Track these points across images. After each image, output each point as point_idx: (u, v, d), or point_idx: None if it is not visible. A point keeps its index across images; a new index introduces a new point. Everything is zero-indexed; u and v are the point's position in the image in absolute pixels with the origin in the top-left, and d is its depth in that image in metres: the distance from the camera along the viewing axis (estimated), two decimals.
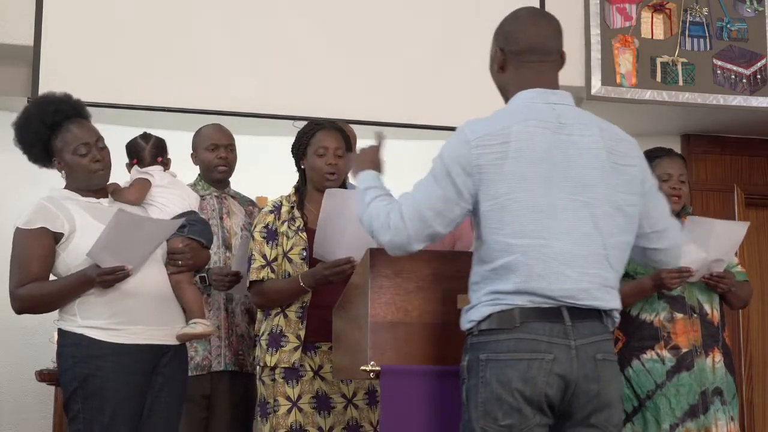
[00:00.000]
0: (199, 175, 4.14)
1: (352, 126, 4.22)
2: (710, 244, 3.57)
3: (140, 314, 3.21)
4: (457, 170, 2.42)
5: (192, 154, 4.13)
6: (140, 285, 3.21)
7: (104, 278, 3.12)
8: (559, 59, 2.60)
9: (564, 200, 2.42)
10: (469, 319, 2.46)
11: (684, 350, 3.60)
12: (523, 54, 2.55)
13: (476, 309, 2.44)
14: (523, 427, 2.37)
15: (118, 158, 3.48)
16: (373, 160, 2.75)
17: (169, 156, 3.60)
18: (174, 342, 3.29)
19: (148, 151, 3.52)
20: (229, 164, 4.12)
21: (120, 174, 3.48)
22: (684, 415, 3.54)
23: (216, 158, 4.08)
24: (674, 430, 3.52)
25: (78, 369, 3.16)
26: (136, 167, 3.50)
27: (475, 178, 2.42)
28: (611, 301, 2.47)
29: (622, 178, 2.48)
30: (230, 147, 4.13)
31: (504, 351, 2.38)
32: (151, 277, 3.25)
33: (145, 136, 3.58)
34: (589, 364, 2.39)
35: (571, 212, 2.42)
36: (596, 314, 2.44)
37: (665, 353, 3.58)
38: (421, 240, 2.47)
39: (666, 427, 3.51)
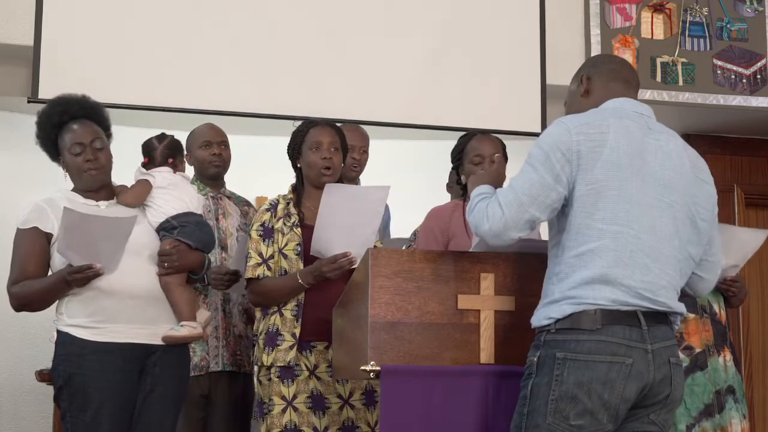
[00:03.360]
0: (194, 176, 4.14)
1: (348, 126, 4.22)
2: (731, 250, 3.60)
3: (120, 313, 3.22)
4: (557, 155, 2.48)
5: (186, 155, 4.12)
6: (120, 284, 3.21)
7: (74, 276, 3.15)
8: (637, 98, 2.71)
9: (652, 198, 2.48)
10: (547, 315, 2.48)
11: (697, 350, 3.61)
12: (613, 72, 2.69)
13: (558, 305, 2.47)
14: (593, 431, 2.40)
15: (121, 159, 3.48)
16: (492, 176, 2.89)
17: (183, 158, 3.60)
18: (161, 342, 3.29)
19: (159, 152, 3.52)
20: (223, 161, 4.13)
21: (130, 175, 3.49)
22: (700, 414, 3.55)
23: (209, 155, 4.08)
24: (690, 430, 3.53)
25: (63, 367, 3.21)
26: (140, 168, 3.50)
27: (574, 164, 2.47)
28: (680, 306, 2.53)
29: (701, 191, 2.58)
30: (223, 144, 4.14)
31: (584, 352, 2.41)
32: (135, 277, 3.25)
33: (161, 137, 3.58)
34: (664, 367, 2.45)
35: (658, 210, 2.49)
36: (665, 319, 2.50)
37: (679, 354, 3.59)
38: (519, 227, 2.51)
39: (682, 428, 3.52)
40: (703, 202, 2.58)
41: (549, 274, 2.55)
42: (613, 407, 2.41)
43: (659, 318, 2.47)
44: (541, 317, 2.51)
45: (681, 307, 2.53)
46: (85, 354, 3.18)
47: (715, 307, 3.70)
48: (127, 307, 3.23)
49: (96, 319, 3.21)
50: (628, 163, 2.47)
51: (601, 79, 2.69)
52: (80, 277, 3.15)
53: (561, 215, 2.53)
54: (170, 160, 3.51)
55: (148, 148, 3.55)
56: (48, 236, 3.25)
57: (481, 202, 2.59)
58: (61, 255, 3.18)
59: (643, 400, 2.45)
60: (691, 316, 3.63)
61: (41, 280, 3.25)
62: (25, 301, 3.27)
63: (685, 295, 3.59)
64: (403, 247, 3.93)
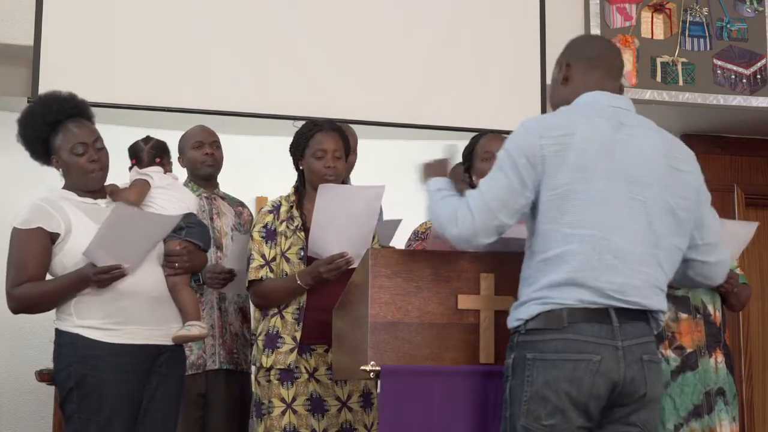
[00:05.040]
0: (187, 177, 4.14)
1: (352, 126, 4.22)
2: None
3: (136, 314, 3.21)
4: (523, 160, 2.47)
5: (179, 157, 4.13)
6: (136, 285, 3.20)
7: (100, 277, 3.12)
8: (621, 78, 2.68)
9: (621, 196, 2.46)
10: (516, 317, 2.49)
11: (688, 350, 3.60)
12: (594, 60, 2.64)
13: (525, 307, 2.47)
14: (565, 428, 2.40)
15: (117, 158, 3.47)
16: (443, 169, 2.84)
17: (171, 159, 3.60)
18: (170, 342, 3.29)
19: (146, 152, 3.52)
20: (216, 161, 4.14)
21: (120, 175, 3.48)
22: (689, 415, 3.55)
23: (202, 155, 4.10)
24: (678, 430, 3.52)
25: (74, 369, 3.16)
26: (135, 168, 3.50)
27: (539, 169, 2.46)
28: (659, 303, 2.50)
29: (677, 181, 2.53)
30: (215, 144, 4.16)
31: (551, 351, 2.41)
32: (147, 278, 3.24)
33: (146, 139, 3.59)
34: (635, 365, 2.42)
35: (628, 209, 2.46)
36: (643, 315, 2.47)
37: (670, 353, 3.59)
38: (488, 232, 2.52)
39: (670, 428, 3.52)
40: (680, 192, 2.53)
41: (521, 278, 2.54)
42: (582, 404, 2.39)
43: (635, 315, 2.45)
44: (512, 319, 2.51)
45: (658, 304, 2.49)
46: (100, 355, 3.15)
47: (710, 308, 3.70)
48: (142, 308, 3.22)
49: (113, 320, 3.18)
50: (594, 165, 2.45)
51: (580, 66, 2.65)
52: (107, 278, 3.12)
53: (530, 219, 2.52)
54: (157, 160, 3.51)
55: (134, 150, 3.56)
56: (53, 236, 3.20)
57: (447, 200, 2.59)
58: (88, 254, 3.12)
59: (619, 398, 2.43)
60: (684, 316, 3.63)
61: (53, 281, 3.21)
62: (30, 303, 3.21)
63: (678, 297, 3.62)
64: (403, 247, 3.93)
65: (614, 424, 2.45)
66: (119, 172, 3.50)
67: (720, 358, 3.66)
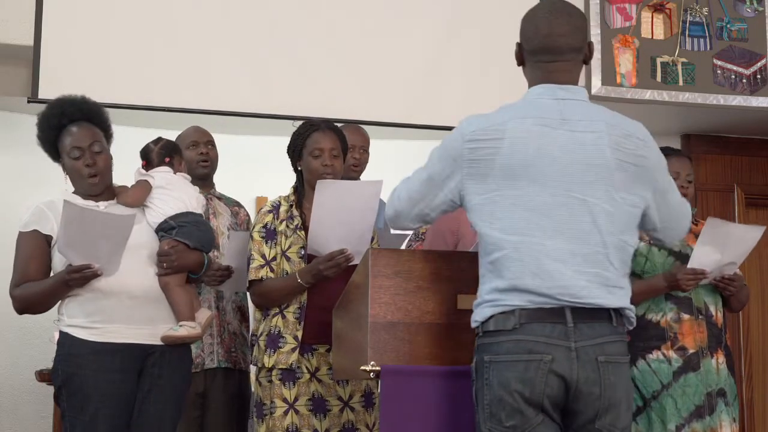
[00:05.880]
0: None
1: (349, 126, 4.21)
2: (727, 247, 3.57)
3: (119, 314, 3.22)
4: (448, 161, 2.49)
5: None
6: (119, 285, 3.21)
7: (72, 276, 3.15)
8: (578, 56, 2.54)
9: (560, 197, 2.40)
10: (473, 319, 2.48)
11: (691, 351, 3.60)
12: (534, 54, 2.55)
13: (480, 309, 2.45)
14: (526, 428, 2.37)
15: (121, 158, 3.48)
16: None
17: (181, 158, 3.60)
18: (160, 342, 3.28)
19: (155, 153, 3.52)
20: (211, 160, 4.17)
21: (129, 175, 3.49)
22: (690, 415, 3.54)
23: (197, 155, 4.12)
24: (680, 431, 3.52)
25: (62, 367, 3.21)
26: (140, 169, 3.50)
27: (464, 172, 2.45)
28: (616, 300, 2.43)
29: (626, 174, 2.45)
30: (210, 144, 4.18)
31: (503, 353, 2.38)
32: (134, 277, 3.24)
33: (157, 140, 3.59)
34: (590, 365, 2.37)
35: (567, 209, 2.40)
36: (605, 315, 2.41)
37: (672, 354, 3.59)
38: (411, 219, 2.61)
39: (672, 428, 3.51)
40: (629, 186, 2.44)
41: (479, 273, 2.51)
42: (537, 403, 2.36)
43: (594, 314, 2.39)
44: (471, 320, 2.49)
45: (616, 302, 2.42)
46: (84, 354, 3.19)
47: (712, 309, 3.69)
48: (126, 307, 3.23)
49: (95, 319, 3.21)
50: (523, 171, 2.40)
51: (528, 57, 2.56)
52: (78, 277, 3.15)
53: (471, 217, 2.50)
54: (167, 160, 3.51)
55: (145, 151, 3.56)
56: (48, 238, 3.26)
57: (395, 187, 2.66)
58: (62, 254, 3.18)
59: (576, 401, 2.38)
60: (687, 317, 3.63)
61: (41, 282, 3.25)
62: (27, 304, 3.28)
63: (680, 298, 3.62)
64: (403, 247, 3.93)
65: (579, 430, 2.41)
66: (123, 173, 3.51)
67: (721, 358, 3.66)
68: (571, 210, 2.40)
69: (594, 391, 2.38)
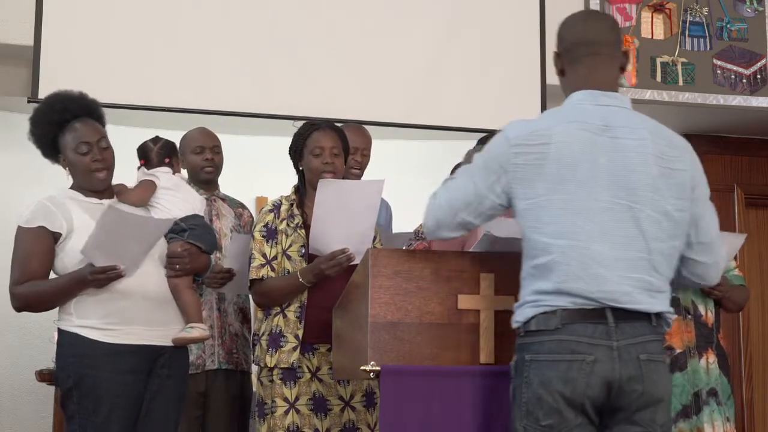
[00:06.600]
0: (188, 178, 4.14)
1: (352, 127, 4.21)
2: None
3: (135, 315, 3.20)
4: (495, 167, 2.48)
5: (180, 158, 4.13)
6: (136, 286, 3.20)
7: (97, 277, 3.12)
8: (615, 53, 2.57)
9: (605, 203, 2.42)
10: (515, 319, 2.50)
11: (678, 351, 3.60)
12: (573, 48, 2.57)
13: (521, 310, 2.48)
14: (563, 428, 2.39)
15: (121, 158, 3.47)
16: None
17: (179, 159, 3.60)
18: (170, 344, 3.29)
19: (155, 153, 3.52)
20: (216, 165, 4.15)
21: (126, 175, 3.48)
22: (677, 415, 3.55)
23: (202, 160, 4.11)
24: None
25: (73, 368, 3.17)
26: (143, 168, 3.50)
27: (511, 176, 2.46)
28: (658, 304, 2.46)
29: (670, 182, 2.48)
30: (216, 149, 4.16)
31: (545, 352, 2.41)
32: (148, 279, 3.24)
33: (155, 139, 3.59)
34: (632, 364, 2.40)
35: (612, 215, 2.42)
36: (644, 316, 2.44)
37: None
38: (451, 228, 2.57)
39: None
40: (674, 193, 2.47)
41: (521, 276, 2.53)
42: (578, 404, 2.39)
43: (634, 315, 2.42)
44: (513, 320, 2.52)
45: (658, 306, 2.45)
46: (98, 355, 3.15)
47: (701, 309, 3.69)
48: (141, 309, 3.22)
49: (111, 320, 3.18)
50: (571, 175, 2.42)
51: (567, 58, 2.59)
52: (103, 278, 3.12)
53: (518, 222, 2.52)
54: (167, 160, 3.51)
55: (143, 150, 3.55)
56: (56, 236, 3.21)
57: (432, 195, 2.63)
58: (85, 254, 3.13)
59: (618, 400, 2.41)
60: (673, 317, 3.63)
61: (53, 280, 3.22)
62: (32, 302, 3.22)
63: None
64: (403, 247, 3.93)
65: (618, 425, 2.44)
66: (123, 172, 3.51)
67: (712, 358, 3.66)
68: (617, 215, 2.43)
69: (637, 389, 2.41)
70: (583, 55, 2.56)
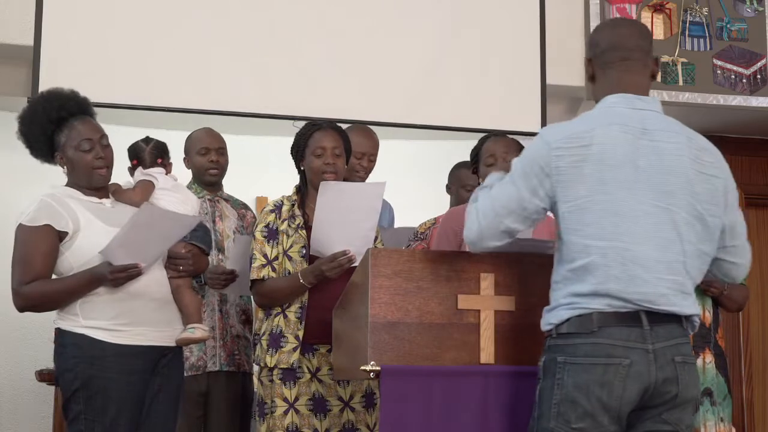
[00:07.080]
0: (192, 178, 4.15)
1: (360, 130, 4.18)
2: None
3: (143, 316, 3.20)
4: (536, 170, 2.48)
5: (184, 158, 4.14)
6: (144, 286, 3.19)
7: (117, 276, 3.10)
8: (646, 60, 2.59)
9: (645, 205, 2.44)
10: (548, 321, 2.50)
11: None
12: (605, 53, 2.58)
13: (555, 312, 2.48)
14: None
15: (117, 158, 3.47)
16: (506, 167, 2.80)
17: (170, 160, 3.60)
18: (173, 344, 3.29)
19: (148, 153, 3.52)
20: (221, 167, 4.15)
21: (119, 175, 3.48)
22: None
23: (207, 162, 4.10)
24: None
25: (80, 369, 3.13)
26: (140, 169, 3.50)
27: (554, 179, 2.47)
28: (689, 307, 2.49)
29: (705, 187, 2.50)
30: (221, 150, 4.16)
31: (581, 355, 2.41)
32: (154, 279, 3.24)
33: (146, 139, 3.59)
34: (668, 366, 2.42)
35: (652, 217, 2.44)
36: (676, 319, 2.46)
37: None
38: (495, 236, 2.55)
39: None
40: (708, 198, 2.51)
41: (552, 281, 2.55)
42: (614, 409, 2.40)
43: (667, 318, 2.45)
44: (544, 323, 2.53)
45: (689, 309, 2.49)
46: (107, 356, 3.13)
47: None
48: (150, 309, 3.21)
49: (119, 321, 3.16)
50: (612, 177, 2.44)
51: (599, 63, 2.60)
52: (124, 276, 3.11)
53: (556, 225, 2.53)
54: (159, 161, 3.51)
55: (135, 150, 3.55)
56: (61, 235, 3.16)
57: (471, 204, 2.62)
58: (106, 253, 3.09)
59: (650, 400, 2.43)
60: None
61: (62, 279, 3.18)
62: (39, 302, 3.17)
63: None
64: (403, 247, 3.93)
65: (645, 422, 2.45)
66: (119, 172, 3.50)
67: (709, 358, 3.66)
68: (656, 218, 2.44)
69: (671, 390, 2.43)
70: (615, 60, 2.57)
